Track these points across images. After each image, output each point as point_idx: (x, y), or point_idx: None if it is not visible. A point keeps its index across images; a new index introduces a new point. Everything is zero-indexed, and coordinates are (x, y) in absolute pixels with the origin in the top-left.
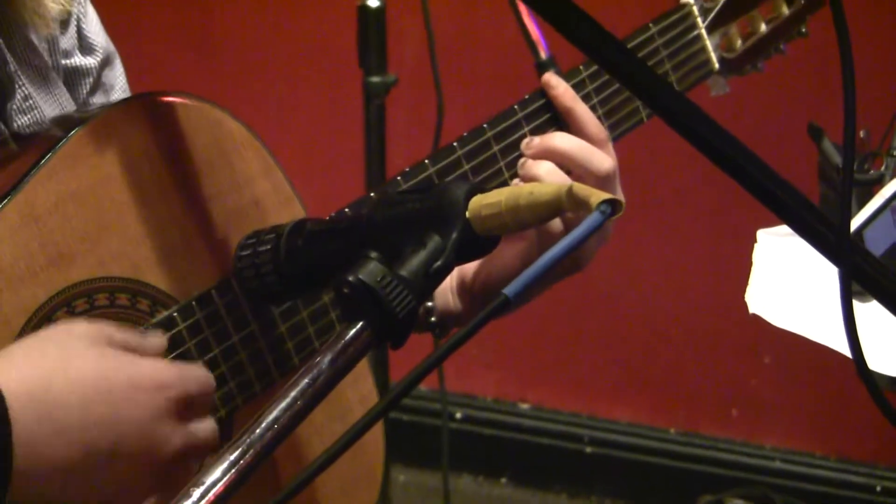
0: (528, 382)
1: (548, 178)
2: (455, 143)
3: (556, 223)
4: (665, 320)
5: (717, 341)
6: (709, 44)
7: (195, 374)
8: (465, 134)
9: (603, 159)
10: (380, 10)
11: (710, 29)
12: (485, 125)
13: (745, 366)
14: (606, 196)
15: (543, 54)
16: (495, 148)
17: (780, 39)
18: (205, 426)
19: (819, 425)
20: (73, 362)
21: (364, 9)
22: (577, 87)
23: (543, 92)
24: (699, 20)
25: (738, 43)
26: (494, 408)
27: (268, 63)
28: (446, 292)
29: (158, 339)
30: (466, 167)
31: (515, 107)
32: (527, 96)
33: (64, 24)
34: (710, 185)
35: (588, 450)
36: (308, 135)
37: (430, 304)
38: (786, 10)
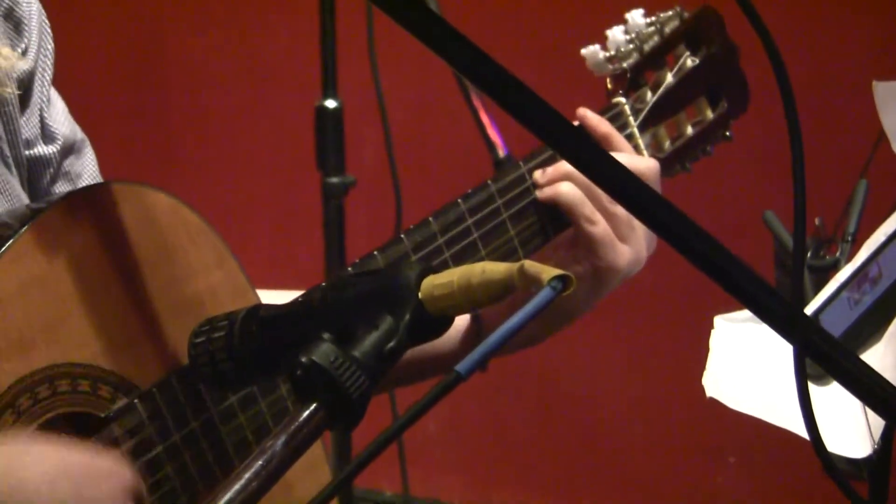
0: (493, 485)
1: (571, 192)
2: (402, 235)
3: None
4: (629, 420)
5: (682, 441)
6: (641, 142)
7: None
8: (411, 227)
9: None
10: (337, 111)
11: (641, 129)
12: (430, 218)
13: (711, 465)
14: (557, 272)
15: (501, 152)
16: (441, 240)
17: (707, 142)
18: None
19: None
20: (33, 447)
21: (322, 110)
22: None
23: (486, 185)
24: (631, 119)
25: (667, 144)
26: None
27: (227, 163)
28: None
29: None
30: (413, 258)
31: (459, 200)
32: (470, 191)
33: (26, 111)
34: (671, 284)
35: None
36: (267, 234)
37: None
38: (710, 115)
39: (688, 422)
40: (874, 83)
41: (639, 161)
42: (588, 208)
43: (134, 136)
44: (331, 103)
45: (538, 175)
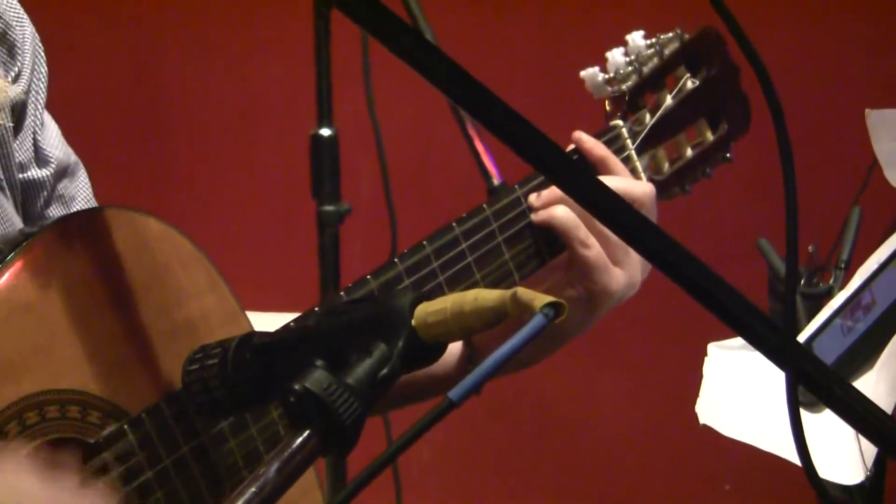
0: None
1: (565, 215)
2: (396, 259)
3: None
4: (625, 447)
5: (678, 468)
6: (638, 165)
7: None
8: (405, 251)
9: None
10: (332, 139)
11: (639, 151)
12: (424, 242)
13: (706, 492)
14: (549, 299)
15: (496, 180)
16: (435, 264)
17: (706, 164)
18: None
19: None
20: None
21: (317, 138)
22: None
23: (481, 209)
24: (629, 142)
25: (666, 166)
26: None
27: (221, 189)
28: None
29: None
30: (407, 281)
31: (454, 224)
32: (464, 215)
33: (19, 135)
34: (666, 311)
35: None
36: (263, 263)
37: None
38: (710, 136)
39: (683, 449)
40: (867, 111)
41: (634, 185)
42: (582, 232)
43: (128, 161)
44: (326, 131)
45: (533, 198)
